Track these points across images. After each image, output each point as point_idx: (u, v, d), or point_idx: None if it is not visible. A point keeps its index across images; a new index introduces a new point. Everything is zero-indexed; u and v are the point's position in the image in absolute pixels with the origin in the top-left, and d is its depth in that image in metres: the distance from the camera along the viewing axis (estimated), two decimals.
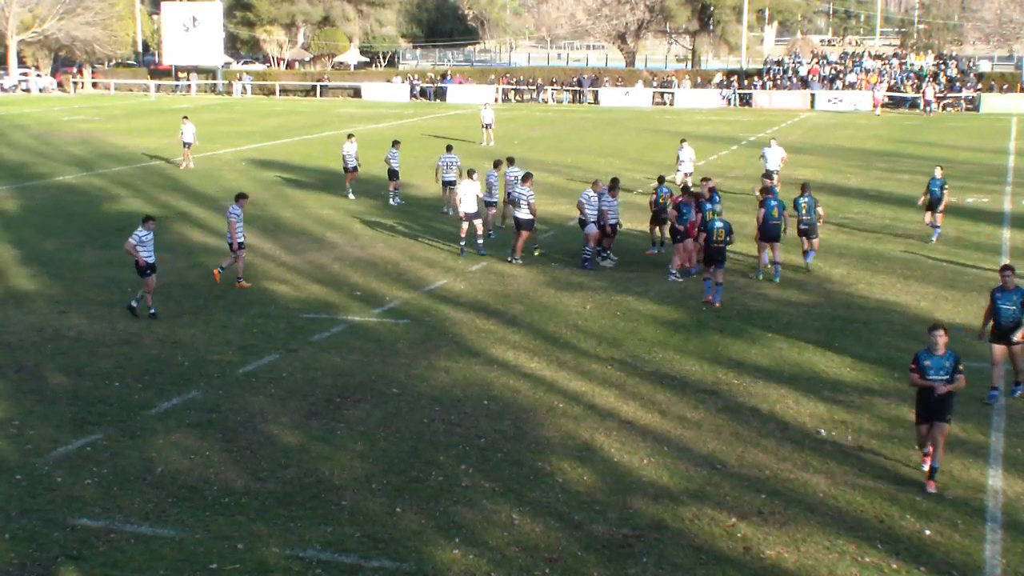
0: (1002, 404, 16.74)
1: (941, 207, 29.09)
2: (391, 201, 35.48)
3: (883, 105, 78.31)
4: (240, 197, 24.33)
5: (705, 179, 27.30)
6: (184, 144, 45.28)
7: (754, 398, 17.05)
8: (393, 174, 35.59)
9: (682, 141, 37.07)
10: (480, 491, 13.58)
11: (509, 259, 26.50)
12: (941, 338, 13.89)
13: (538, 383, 17.68)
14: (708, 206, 24.83)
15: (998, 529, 12.62)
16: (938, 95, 79.14)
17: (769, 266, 24.89)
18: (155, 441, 15.20)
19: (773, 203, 24.48)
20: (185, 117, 46.54)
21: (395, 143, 36.52)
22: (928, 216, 29.25)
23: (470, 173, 27.85)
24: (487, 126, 53.93)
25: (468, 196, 27.03)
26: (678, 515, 12.95)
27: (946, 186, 28.91)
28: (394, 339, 20.18)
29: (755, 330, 20.80)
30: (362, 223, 32.19)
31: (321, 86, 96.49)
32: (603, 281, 24.75)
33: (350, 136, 38.32)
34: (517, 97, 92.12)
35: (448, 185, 33.47)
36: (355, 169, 37.08)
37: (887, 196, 37.72)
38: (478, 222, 27.50)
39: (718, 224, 22.89)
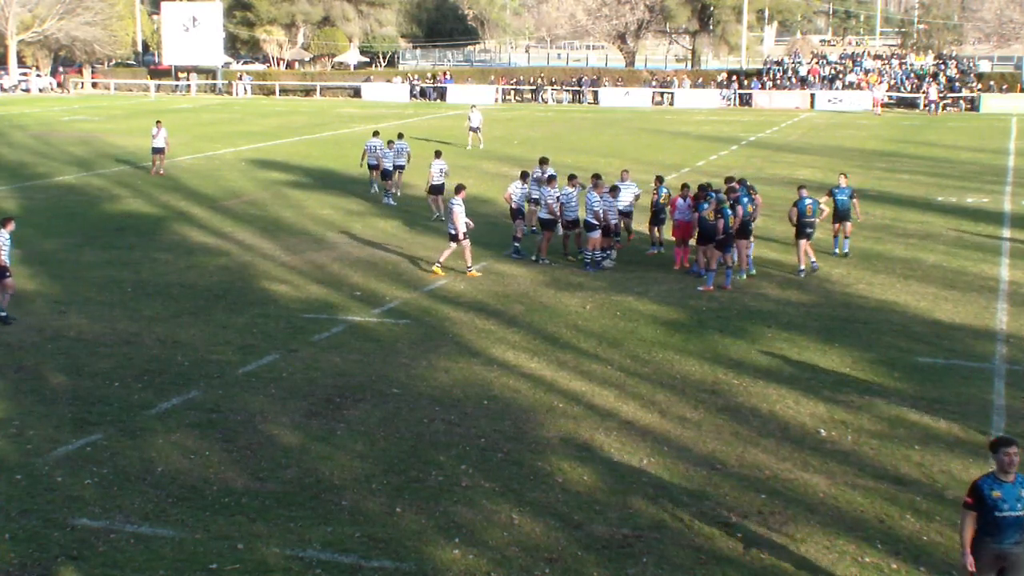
0: (1001, 404, 16.75)
1: (850, 220, 27.29)
2: (384, 200, 35.51)
3: (883, 105, 78.30)
4: (6, 221, 21.28)
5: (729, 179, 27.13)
6: (154, 150, 42.89)
7: (754, 398, 17.05)
8: (386, 173, 35.78)
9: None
10: (480, 491, 13.59)
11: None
12: (1015, 456, 9.95)
13: (538, 383, 17.69)
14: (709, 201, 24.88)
15: None
16: (940, 95, 79.19)
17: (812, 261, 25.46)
18: (155, 441, 15.20)
19: (807, 201, 24.75)
20: (158, 121, 44.36)
21: (389, 143, 36.68)
22: (836, 227, 27.50)
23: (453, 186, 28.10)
24: (475, 129, 52.81)
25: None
26: (678, 515, 12.95)
27: (855, 196, 27.24)
28: (394, 339, 20.18)
29: (755, 330, 20.81)
30: (362, 223, 32.19)
31: (321, 87, 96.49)
32: (603, 281, 24.75)
33: (375, 133, 38.89)
34: (517, 97, 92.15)
35: (435, 191, 32.57)
36: (377, 167, 37.45)
37: (887, 196, 37.73)
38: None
39: (730, 212, 23.71)
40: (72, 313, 21.98)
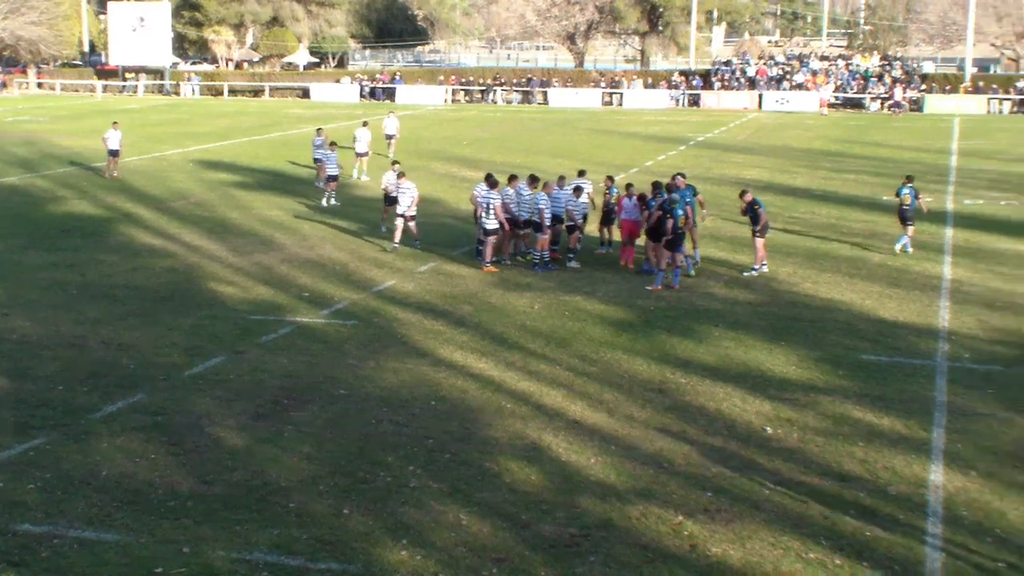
0: (943, 400, 16.95)
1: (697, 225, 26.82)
2: (324, 202, 35.34)
3: (830, 105, 79.01)
4: None
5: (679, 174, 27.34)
6: (110, 152, 42.18)
7: (701, 397, 17.15)
8: (332, 178, 35.55)
9: None
10: (428, 492, 13.56)
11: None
12: None
13: (486, 384, 17.68)
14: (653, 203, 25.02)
15: (939, 524, 12.77)
16: (882, 96, 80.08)
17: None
18: (99, 445, 15.04)
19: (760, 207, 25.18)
20: (115, 123, 43.78)
21: (332, 144, 36.62)
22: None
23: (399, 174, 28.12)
24: (390, 137, 48.21)
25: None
26: (625, 514, 13.00)
27: (699, 195, 27.16)
28: (342, 340, 20.11)
29: (702, 329, 20.93)
30: (310, 224, 32.04)
31: (270, 87, 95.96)
32: (551, 282, 24.79)
33: (319, 131, 39.86)
34: (467, 98, 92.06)
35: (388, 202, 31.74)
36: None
37: (833, 196, 38.10)
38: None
39: (679, 211, 23.72)
40: (15, 316, 21.69)
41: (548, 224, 25.64)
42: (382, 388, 17.44)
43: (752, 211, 25.14)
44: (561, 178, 27.35)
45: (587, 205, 27.71)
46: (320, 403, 16.72)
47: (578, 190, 26.64)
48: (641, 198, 26.03)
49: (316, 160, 39.20)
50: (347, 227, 31.38)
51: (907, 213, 27.88)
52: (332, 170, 35.53)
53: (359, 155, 41.95)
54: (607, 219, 27.83)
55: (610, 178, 28.58)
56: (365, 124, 43.51)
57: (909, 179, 28.46)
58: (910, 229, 28.10)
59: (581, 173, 29.23)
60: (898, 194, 28.12)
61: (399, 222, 27.54)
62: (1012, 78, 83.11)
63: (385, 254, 27.47)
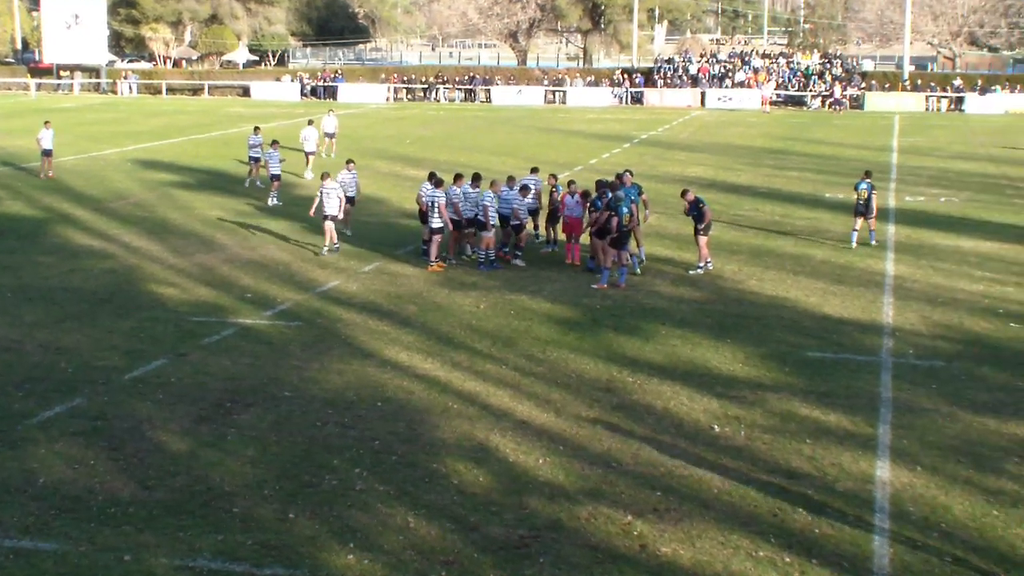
0: (888, 396, 17.09)
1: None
2: (268, 201, 35.08)
3: (771, 103, 79.69)
4: None
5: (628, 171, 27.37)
6: (43, 152, 41.28)
7: (648, 395, 17.16)
8: (275, 177, 35.20)
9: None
10: (374, 494, 13.44)
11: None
12: None
13: (432, 384, 17.58)
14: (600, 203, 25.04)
15: (886, 519, 12.85)
16: (823, 93, 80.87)
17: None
18: (37, 451, 14.75)
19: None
20: (47, 122, 42.87)
21: (273, 143, 36.28)
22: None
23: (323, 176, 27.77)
24: (329, 135, 48.11)
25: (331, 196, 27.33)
26: (574, 514, 12.95)
27: (644, 194, 26.83)
28: (286, 342, 19.92)
29: (649, 327, 20.96)
30: (252, 224, 31.74)
31: (209, 85, 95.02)
32: (497, 281, 24.73)
33: (256, 129, 39.81)
34: (409, 96, 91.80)
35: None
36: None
37: (776, 193, 38.38)
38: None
39: (624, 210, 23.76)
40: None
41: (493, 223, 25.57)
42: (327, 390, 17.29)
43: (696, 209, 25.22)
44: (511, 179, 27.22)
45: (535, 203, 27.69)
46: (264, 405, 16.53)
47: (525, 188, 26.58)
48: (584, 195, 26.03)
49: (251, 159, 39.10)
50: (290, 227, 31.10)
51: (866, 208, 28.27)
52: (275, 169, 35.19)
53: (308, 154, 41.94)
54: (553, 218, 27.81)
55: (554, 176, 28.59)
56: (311, 123, 43.31)
57: (868, 174, 28.84)
58: (872, 221, 28.62)
59: (534, 170, 29.22)
60: (856, 188, 28.48)
61: (328, 225, 27.14)
62: (948, 76, 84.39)
63: (329, 254, 27.24)
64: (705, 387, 17.51)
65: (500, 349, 19.57)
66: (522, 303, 22.73)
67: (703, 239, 25.34)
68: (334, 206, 27.08)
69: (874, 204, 28.42)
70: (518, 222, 26.21)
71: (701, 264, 25.44)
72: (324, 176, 27.67)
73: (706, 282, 24.65)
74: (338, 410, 16.36)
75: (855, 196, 28.52)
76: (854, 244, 28.36)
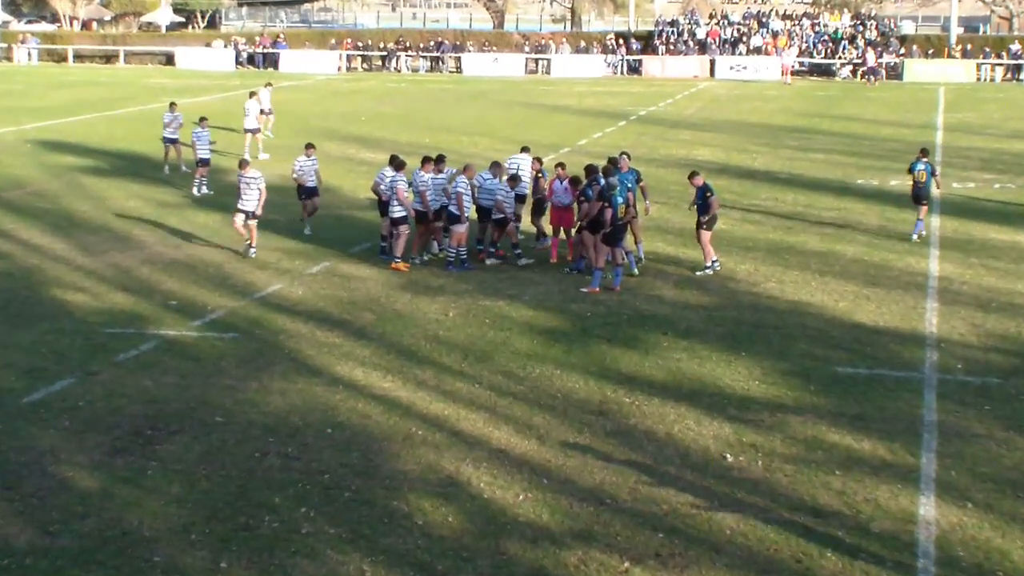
0: (933, 420, 17.16)
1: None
2: (195, 190, 35.01)
3: (794, 73, 79.87)
4: None
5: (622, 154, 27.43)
6: None
7: (649, 419, 17.18)
8: (203, 162, 35.15)
9: None
10: (324, 538, 13.43)
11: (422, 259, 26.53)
12: None
13: (392, 406, 17.58)
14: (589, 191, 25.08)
15: (931, 565, 12.89)
16: (854, 61, 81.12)
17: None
18: None
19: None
20: None
21: (201, 120, 36.23)
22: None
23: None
24: (266, 112, 47.32)
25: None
26: (561, 561, 12.97)
27: (641, 184, 27.14)
28: (218, 357, 19.88)
29: (649, 338, 21.00)
30: (178, 217, 31.69)
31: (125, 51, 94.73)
32: (468, 284, 24.74)
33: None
34: (365, 65, 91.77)
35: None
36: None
37: (799, 179, 38.53)
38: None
39: (619, 200, 23.89)
40: None
41: (467, 215, 25.57)
42: (267, 414, 17.26)
43: (702, 198, 25.29)
44: (496, 165, 27.11)
45: (525, 190, 27.56)
46: (192, 433, 16.50)
47: (514, 178, 26.58)
48: (573, 182, 26.03)
49: (166, 140, 39.04)
50: (223, 220, 31.02)
51: (923, 192, 28.55)
52: (203, 152, 35.15)
53: (248, 132, 42.04)
54: (538, 209, 27.68)
55: (538, 160, 28.60)
56: (253, 95, 43.24)
57: (924, 152, 29.23)
58: (923, 210, 28.91)
59: (524, 150, 29.27)
60: (911, 170, 28.79)
61: (239, 219, 26.85)
62: (1004, 40, 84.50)
63: (270, 253, 27.22)
64: (716, 409, 17.55)
65: (473, 365, 19.57)
66: (499, 310, 22.75)
67: (706, 234, 25.38)
68: (252, 200, 26.73)
69: (933, 188, 28.68)
70: (502, 215, 26.17)
71: (708, 263, 25.51)
72: (242, 164, 27.62)
73: (716, 285, 24.72)
74: (280, 438, 16.33)
75: (910, 180, 28.75)
76: (916, 236, 28.50)
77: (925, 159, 28.73)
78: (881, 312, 22.74)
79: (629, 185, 25.33)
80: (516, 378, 18.95)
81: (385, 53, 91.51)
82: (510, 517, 14.03)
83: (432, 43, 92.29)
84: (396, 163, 25.93)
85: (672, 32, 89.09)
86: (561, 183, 26.37)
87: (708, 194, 25.25)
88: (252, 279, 25.11)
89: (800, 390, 18.41)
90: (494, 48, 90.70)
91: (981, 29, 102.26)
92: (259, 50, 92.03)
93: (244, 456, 15.73)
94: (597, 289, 23.92)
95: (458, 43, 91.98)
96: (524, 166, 28.21)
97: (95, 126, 52.56)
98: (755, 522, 13.88)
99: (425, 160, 26.47)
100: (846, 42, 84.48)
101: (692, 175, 25.98)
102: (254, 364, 19.54)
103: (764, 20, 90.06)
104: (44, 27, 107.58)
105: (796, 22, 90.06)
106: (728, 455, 15.87)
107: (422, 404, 17.72)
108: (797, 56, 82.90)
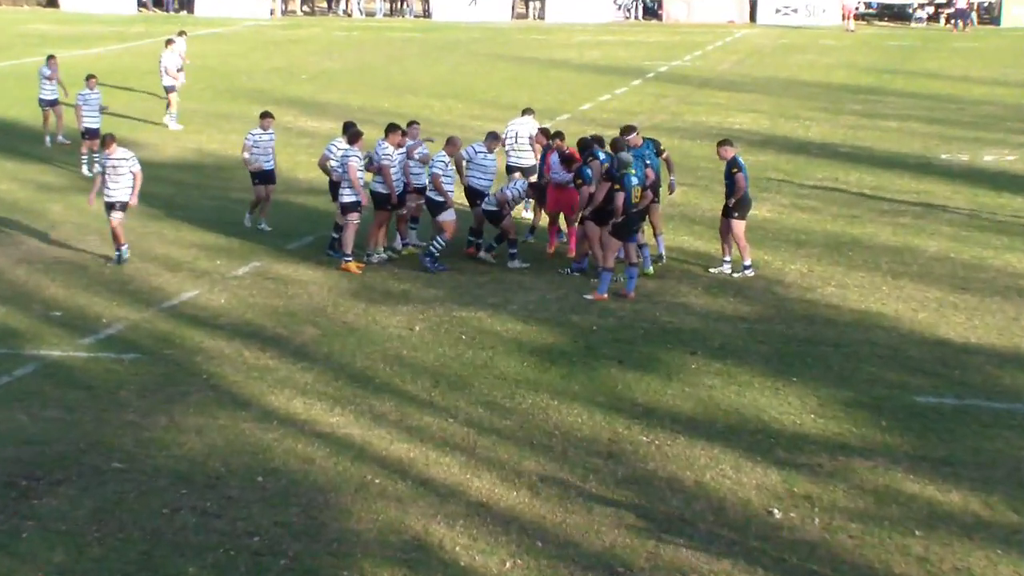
0: None
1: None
2: (86, 170, 34.97)
3: (858, 17, 79.98)
4: None
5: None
6: None
7: (673, 463, 17.16)
8: (90, 132, 35.12)
9: None
10: None
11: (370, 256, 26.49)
12: None
13: (342, 447, 17.55)
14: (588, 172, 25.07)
15: None
16: (937, 1, 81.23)
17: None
18: None
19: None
20: None
21: (89, 78, 36.16)
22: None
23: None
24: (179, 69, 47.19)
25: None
26: None
27: (664, 156, 27.16)
28: (115, 385, 19.85)
29: (672, 359, 20.99)
30: (63, 204, 31.68)
31: None
32: (440, 288, 24.71)
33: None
34: (305, 7, 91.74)
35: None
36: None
37: (865, 154, 38.54)
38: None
39: (634, 181, 23.89)
40: None
41: (451, 199, 25.61)
42: (179, 457, 17.22)
43: (728, 175, 25.22)
44: (492, 136, 27.03)
45: (524, 184, 27.26)
46: (81, 484, 16.45)
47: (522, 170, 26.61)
48: (565, 161, 25.93)
49: (43, 103, 39.27)
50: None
51: None
52: (90, 120, 35.06)
53: (167, 90, 42.48)
54: (538, 194, 27.48)
55: (546, 133, 28.15)
56: (171, 42, 43.30)
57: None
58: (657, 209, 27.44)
59: (527, 112, 29.30)
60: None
61: (115, 219, 26.46)
62: None
63: (183, 250, 27.19)
64: (759, 450, 17.53)
65: (445, 393, 19.55)
66: (479, 323, 22.73)
67: (738, 224, 25.30)
68: (122, 188, 26.49)
69: None
70: (498, 209, 25.94)
71: (747, 262, 25.44)
72: (107, 142, 27.11)
73: (759, 290, 24.71)
74: (196, 489, 16.29)
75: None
76: None
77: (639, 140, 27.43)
78: (973, 325, 22.75)
79: (647, 160, 25.31)
80: (501, 410, 18.93)
81: None
82: None
83: None
84: (350, 133, 25.91)
85: None
86: (560, 156, 26.41)
87: (734, 170, 25.14)
88: (160, 284, 25.07)
89: (868, 426, 18.40)
90: None
91: None
92: None
93: (149, 513, 15.69)
94: (605, 295, 23.91)
95: None
96: (523, 133, 28.22)
97: None
98: None
99: (391, 128, 26.44)
100: None
101: (721, 144, 25.93)
102: (162, 394, 19.50)
103: None
104: None
105: None
106: (776, 510, 15.87)
107: (380, 444, 17.69)
108: None
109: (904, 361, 20.94)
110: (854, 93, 51.54)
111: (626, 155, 24.59)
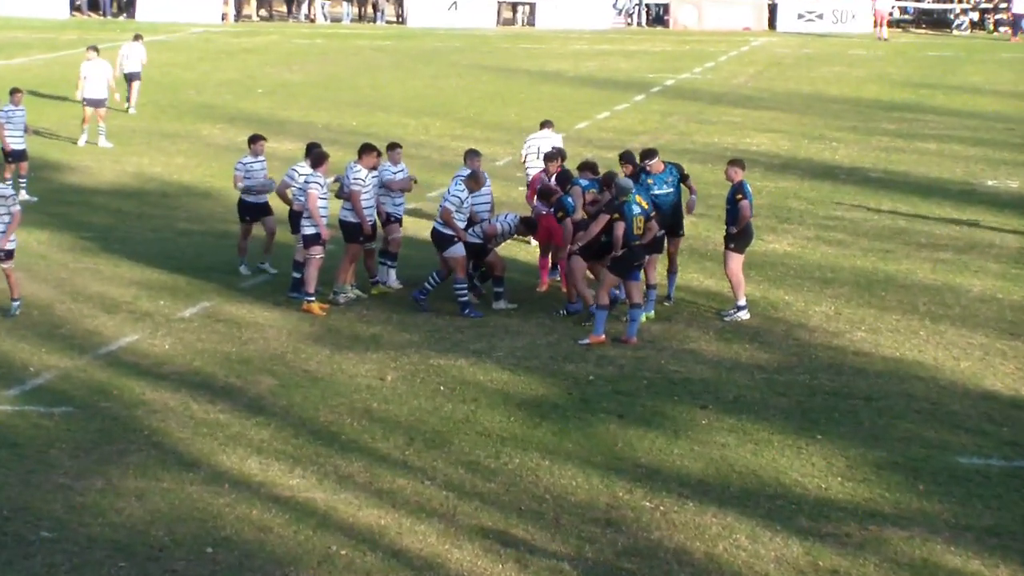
0: None
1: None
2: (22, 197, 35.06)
3: (892, 23, 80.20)
4: None
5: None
6: None
7: (680, 532, 17.19)
8: (16, 155, 35.00)
9: None
10: None
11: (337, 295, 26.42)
12: None
13: (303, 514, 17.56)
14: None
15: None
16: (981, 6, 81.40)
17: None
18: None
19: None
20: None
21: (13, 92, 36.08)
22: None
23: None
24: (131, 78, 49.17)
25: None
26: None
27: (687, 182, 27.15)
28: (44, 443, 19.84)
29: (679, 414, 21.03)
30: None
31: None
32: (414, 332, 24.74)
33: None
34: (262, 11, 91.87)
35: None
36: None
37: (900, 179, 38.65)
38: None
39: (636, 210, 23.92)
40: None
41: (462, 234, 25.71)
42: (117, 526, 17.22)
43: (731, 201, 25.18)
44: (474, 154, 27.17)
45: (515, 218, 27.23)
46: (4, 556, 16.44)
47: (475, 178, 26.66)
48: (543, 195, 26.07)
49: None
50: (55, 240, 31.02)
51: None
52: (15, 141, 34.84)
53: (128, 77, 42.86)
54: (530, 223, 27.54)
55: (560, 156, 28.33)
56: (94, 50, 43.55)
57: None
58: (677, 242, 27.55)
59: (546, 124, 29.47)
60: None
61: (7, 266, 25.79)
62: None
63: (122, 289, 27.19)
64: (778, 518, 17.57)
65: (421, 452, 19.58)
66: (459, 372, 22.76)
67: (734, 257, 25.25)
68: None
69: None
70: (485, 241, 25.94)
71: (741, 302, 25.23)
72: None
73: (778, 334, 24.76)
74: (137, 562, 16.30)
75: None
76: None
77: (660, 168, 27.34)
78: (1023, 376, 22.84)
79: (671, 186, 25.33)
80: (485, 472, 18.97)
81: None
82: None
83: None
84: (314, 155, 25.94)
85: None
86: (550, 179, 26.53)
87: (739, 196, 25.09)
88: (95, 327, 25.08)
89: (904, 490, 18.44)
90: None
91: None
92: None
93: None
94: (602, 336, 23.87)
95: None
96: (545, 148, 28.36)
97: None
98: None
99: (365, 149, 26.42)
100: None
101: (731, 163, 25.95)
102: (98, 453, 19.50)
103: None
104: None
105: None
106: None
107: (347, 510, 17.72)
108: (897, 0, 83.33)
109: (944, 417, 20.99)
110: (887, 110, 51.70)
111: (626, 180, 24.65)
